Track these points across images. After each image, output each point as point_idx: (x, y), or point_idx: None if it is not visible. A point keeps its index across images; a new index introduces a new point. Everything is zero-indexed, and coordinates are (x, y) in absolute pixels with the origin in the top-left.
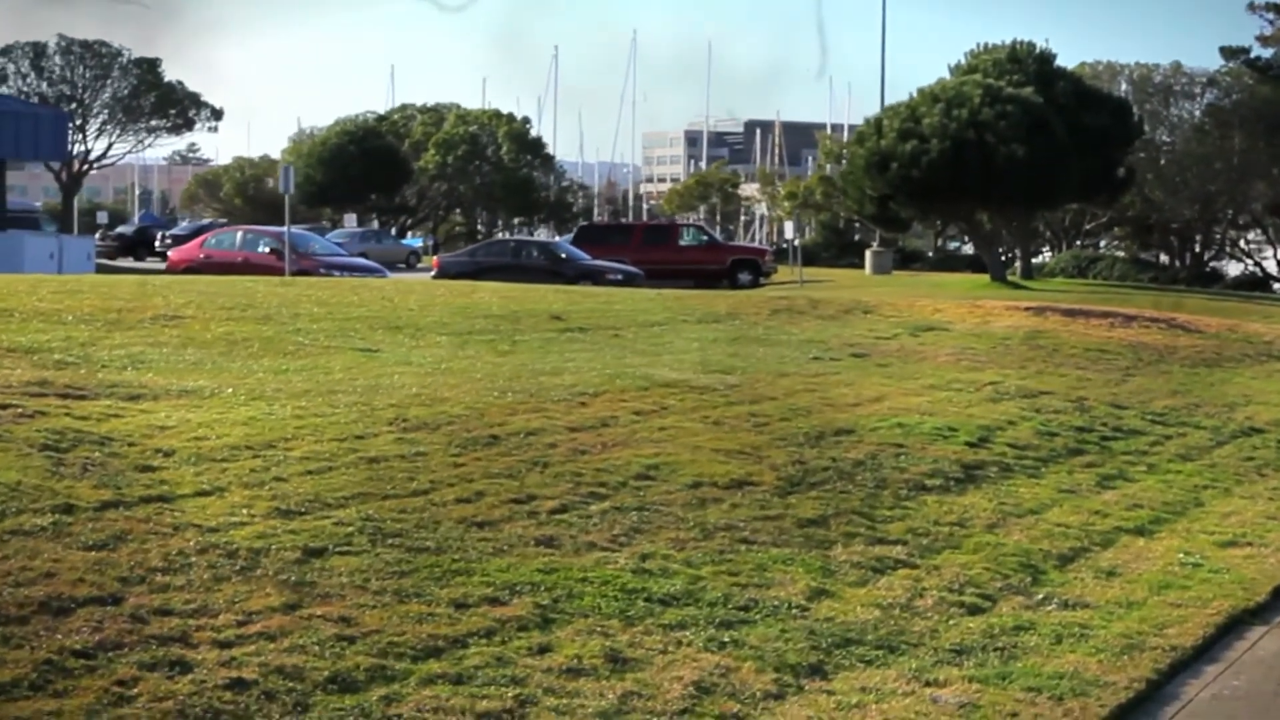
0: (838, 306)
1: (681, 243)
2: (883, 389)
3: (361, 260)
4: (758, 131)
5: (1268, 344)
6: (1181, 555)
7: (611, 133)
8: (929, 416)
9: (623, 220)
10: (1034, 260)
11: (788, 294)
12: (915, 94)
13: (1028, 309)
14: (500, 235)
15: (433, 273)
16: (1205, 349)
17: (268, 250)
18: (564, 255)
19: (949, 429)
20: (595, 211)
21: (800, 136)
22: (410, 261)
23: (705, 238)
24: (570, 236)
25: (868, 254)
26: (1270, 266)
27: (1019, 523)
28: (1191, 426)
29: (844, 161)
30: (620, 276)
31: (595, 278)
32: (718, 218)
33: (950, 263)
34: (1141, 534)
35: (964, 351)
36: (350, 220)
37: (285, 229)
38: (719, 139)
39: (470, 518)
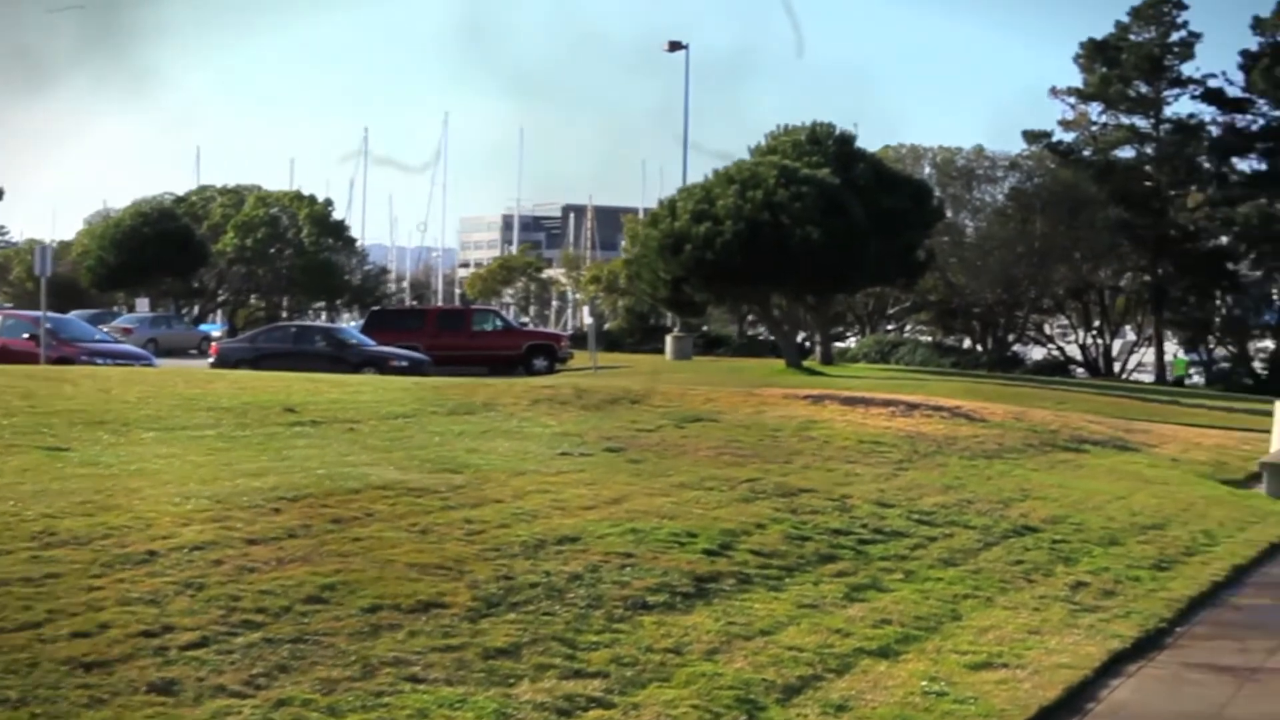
0: (604, 396)
1: (476, 328)
2: (627, 489)
3: (127, 347)
4: (571, 216)
5: (1053, 432)
6: (925, 683)
7: (430, 216)
8: (669, 520)
9: (415, 305)
10: (840, 345)
11: (555, 382)
12: (711, 175)
13: (806, 397)
14: (289, 320)
15: (211, 360)
16: (987, 439)
17: (27, 337)
18: (349, 341)
19: (688, 534)
20: (408, 297)
21: (615, 221)
22: (202, 348)
23: (500, 323)
24: (362, 322)
25: (668, 339)
26: (1072, 350)
27: (745, 646)
28: (960, 526)
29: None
30: (406, 364)
31: (380, 365)
32: (530, 303)
33: (754, 348)
34: (885, 656)
35: (728, 445)
36: (143, 304)
37: (42, 314)
38: (536, 223)
39: (80, 657)
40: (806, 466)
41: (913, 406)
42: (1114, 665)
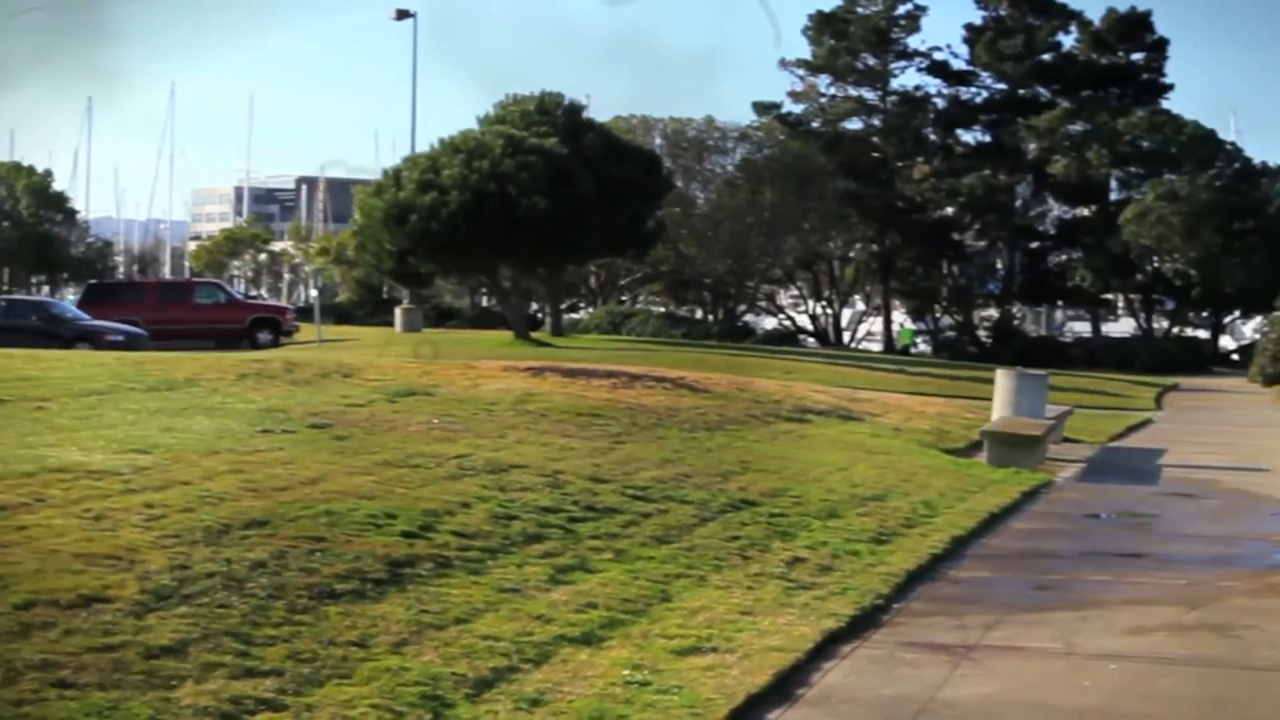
0: (316, 369)
1: (198, 301)
2: (327, 468)
3: None
4: (304, 187)
5: (776, 403)
6: (628, 671)
7: (158, 188)
8: (368, 501)
9: (137, 278)
10: (573, 317)
11: (267, 356)
12: (437, 144)
13: (528, 369)
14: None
15: None
16: (709, 410)
17: None
18: (63, 316)
19: (387, 516)
20: (130, 271)
21: (349, 193)
22: None
23: (224, 295)
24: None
25: (398, 312)
26: (802, 320)
27: (437, 637)
28: (677, 501)
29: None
30: (121, 338)
31: (94, 339)
32: (262, 276)
33: (487, 320)
34: (588, 643)
35: (441, 419)
36: None
37: None
38: (269, 195)
39: None
40: (521, 441)
41: (635, 378)
42: (828, 646)
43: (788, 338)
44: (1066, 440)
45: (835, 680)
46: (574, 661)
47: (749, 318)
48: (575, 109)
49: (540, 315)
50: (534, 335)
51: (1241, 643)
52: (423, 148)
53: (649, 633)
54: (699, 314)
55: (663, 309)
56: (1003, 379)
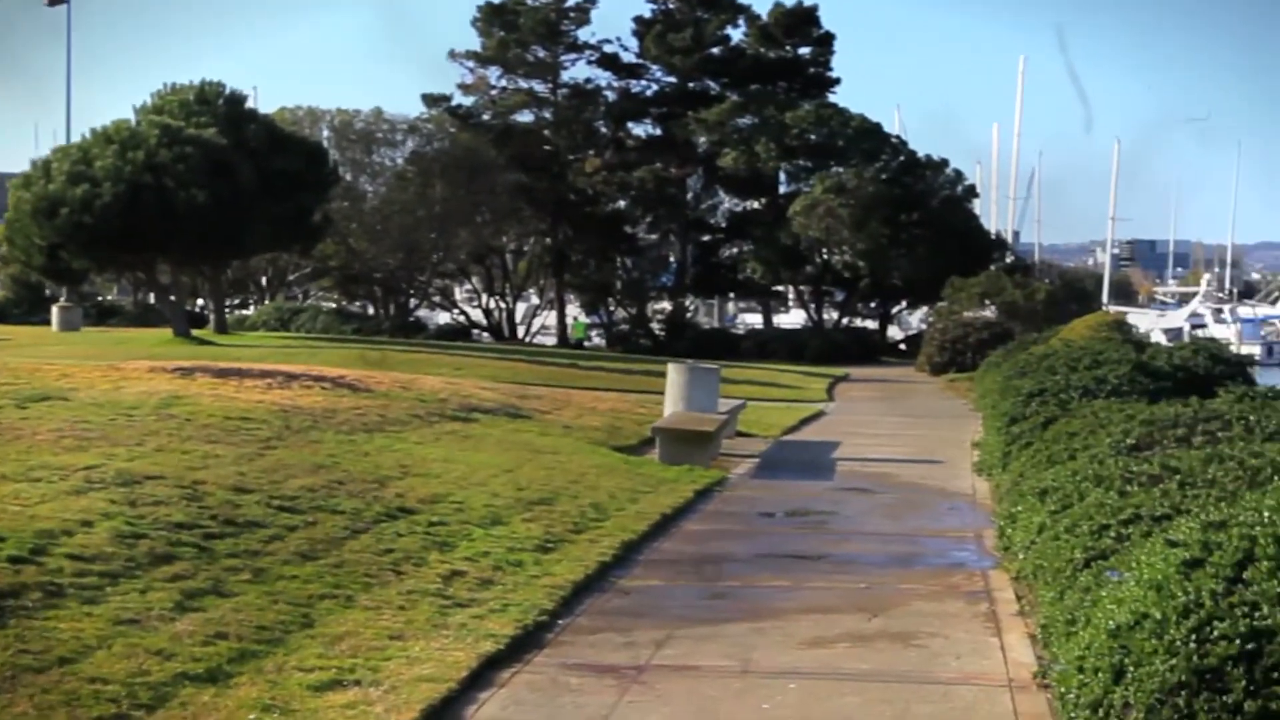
0: None
1: None
2: None
3: None
4: None
5: (442, 401)
6: (255, 715)
7: None
8: None
9: None
10: (243, 313)
11: None
12: (89, 134)
13: (176, 370)
14: None
15: None
16: (369, 411)
17: None
18: None
19: None
20: None
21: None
22: None
23: None
24: None
25: (54, 309)
26: (476, 315)
27: (35, 682)
28: (327, 511)
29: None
30: None
31: None
32: None
33: (149, 318)
34: (214, 681)
35: (74, 426)
36: None
37: None
38: None
39: None
40: (160, 449)
41: (293, 377)
42: (486, 673)
43: (461, 333)
44: (740, 434)
45: (491, 714)
46: (194, 705)
47: (422, 313)
48: (237, 99)
49: (206, 312)
50: (197, 333)
51: (925, 653)
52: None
53: (284, 665)
54: (370, 310)
55: (333, 305)
56: (674, 373)
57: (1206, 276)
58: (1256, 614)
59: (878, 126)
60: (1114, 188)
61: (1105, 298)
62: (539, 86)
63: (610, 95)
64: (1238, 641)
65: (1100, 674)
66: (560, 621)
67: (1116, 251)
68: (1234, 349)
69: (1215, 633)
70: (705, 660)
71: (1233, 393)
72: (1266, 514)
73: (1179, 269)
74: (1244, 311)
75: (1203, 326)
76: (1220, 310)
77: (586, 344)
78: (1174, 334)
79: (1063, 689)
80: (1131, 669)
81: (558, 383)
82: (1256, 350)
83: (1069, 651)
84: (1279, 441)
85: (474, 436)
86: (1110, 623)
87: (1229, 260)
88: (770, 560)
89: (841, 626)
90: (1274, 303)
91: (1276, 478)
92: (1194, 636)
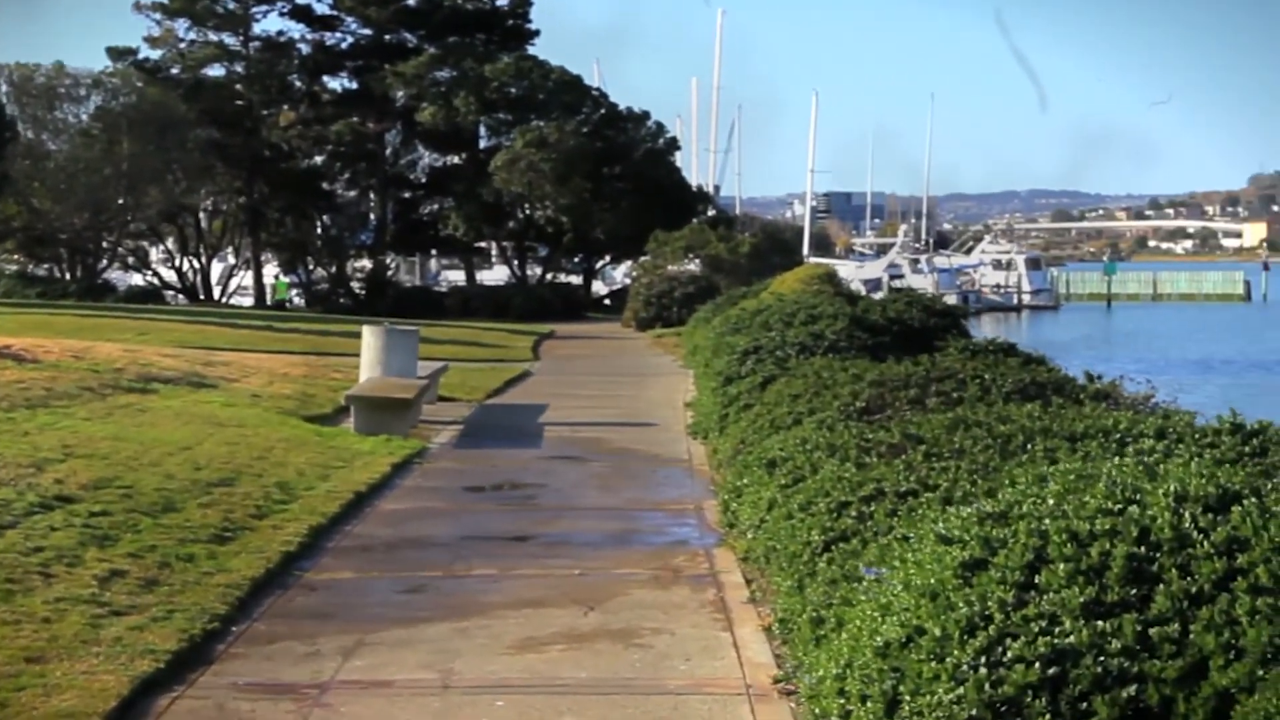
0: None
1: None
2: None
3: None
4: None
5: (118, 371)
6: None
7: None
8: None
9: None
10: None
11: None
12: None
13: None
14: None
15: None
16: (34, 384)
17: None
18: None
19: None
20: None
21: None
22: None
23: None
24: None
25: None
26: (168, 275)
27: None
28: None
29: None
30: None
31: None
32: None
33: None
34: None
35: None
36: None
37: None
38: None
39: None
40: None
41: None
42: (142, 700)
43: (152, 295)
44: (442, 399)
45: None
46: None
47: (114, 275)
48: None
49: None
50: None
51: (651, 654)
52: None
53: None
54: (57, 272)
55: (16, 268)
56: (370, 336)
57: (903, 227)
58: (1056, 629)
59: (578, 79)
60: (812, 141)
61: (806, 249)
62: (230, 39)
63: (304, 48)
64: (1037, 665)
65: (870, 703)
66: (234, 629)
67: (814, 204)
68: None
69: (1009, 654)
70: (400, 673)
71: (956, 347)
72: (1052, 501)
73: (876, 220)
74: (940, 262)
75: (900, 277)
76: (917, 261)
77: (288, 304)
78: (873, 284)
79: (816, 709)
80: (908, 698)
81: (250, 346)
82: (953, 299)
83: (822, 663)
84: (1017, 402)
85: (151, 410)
86: (878, 638)
87: (925, 212)
88: (475, 544)
89: (555, 624)
90: (968, 253)
91: (1030, 445)
92: (984, 659)
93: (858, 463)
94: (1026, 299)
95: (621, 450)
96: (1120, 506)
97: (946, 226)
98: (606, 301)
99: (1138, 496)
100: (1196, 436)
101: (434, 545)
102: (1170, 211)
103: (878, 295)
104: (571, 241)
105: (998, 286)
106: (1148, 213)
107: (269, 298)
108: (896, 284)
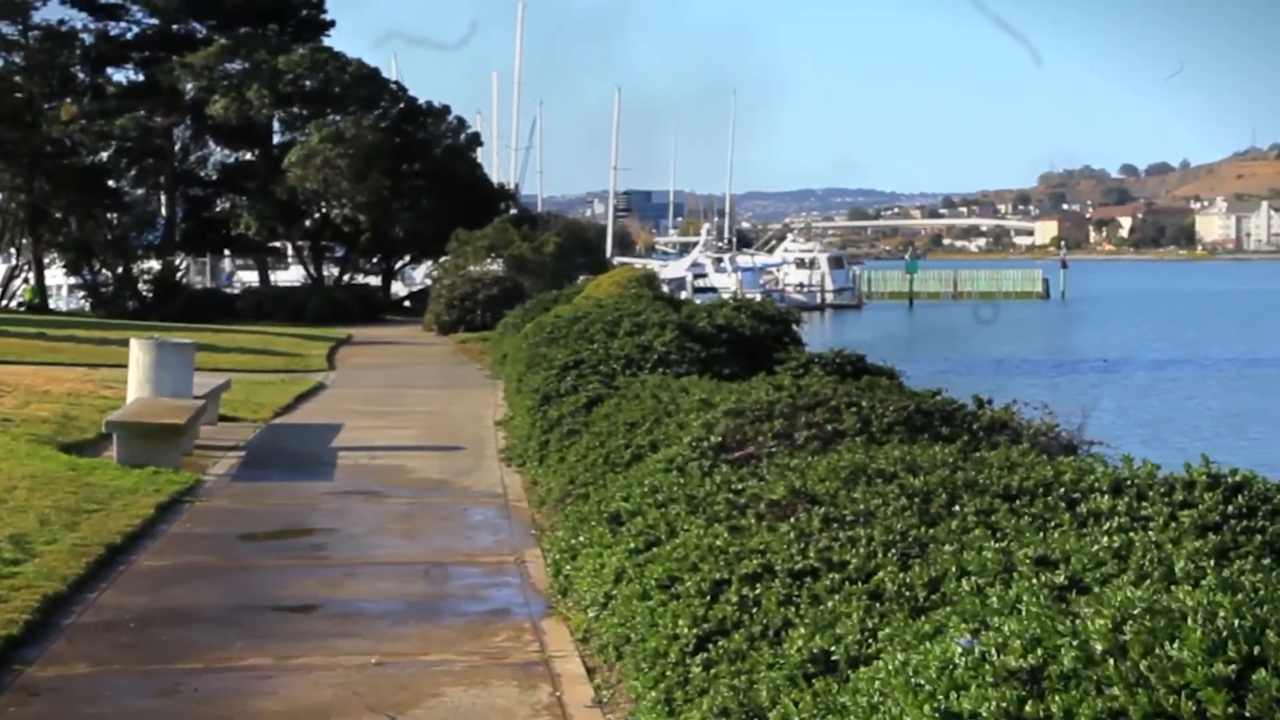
0: None
1: None
2: None
3: None
4: None
5: None
6: None
7: None
8: None
9: None
10: None
11: None
12: None
13: None
14: None
15: None
16: None
17: None
18: None
19: None
20: None
21: None
22: None
23: None
24: None
25: None
26: None
27: None
28: None
29: None
30: None
31: None
32: None
33: None
34: None
35: None
36: None
37: None
38: None
39: None
40: None
41: None
42: None
43: None
44: (224, 419)
45: None
46: None
47: None
48: None
49: None
50: None
51: None
52: None
53: None
54: None
55: None
56: (138, 350)
57: (706, 226)
58: None
59: (375, 72)
60: (615, 138)
61: (610, 249)
62: (7, 28)
63: (88, 38)
64: None
65: None
66: None
67: (616, 203)
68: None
69: None
70: None
71: (799, 359)
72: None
73: (678, 219)
74: (743, 261)
75: (704, 276)
76: (720, 260)
77: (29, 307)
78: (676, 284)
79: None
80: None
81: (16, 358)
82: (757, 297)
83: None
84: (904, 437)
85: None
86: None
87: (727, 210)
88: (248, 616)
89: None
90: (771, 251)
91: (956, 506)
92: None
93: (731, 525)
94: (830, 298)
95: (426, 482)
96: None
97: (745, 225)
98: (407, 304)
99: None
100: (1163, 492)
101: (197, 620)
102: (964, 210)
103: (683, 294)
104: (370, 241)
105: (801, 285)
106: (942, 211)
107: (15, 300)
108: (700, 283)
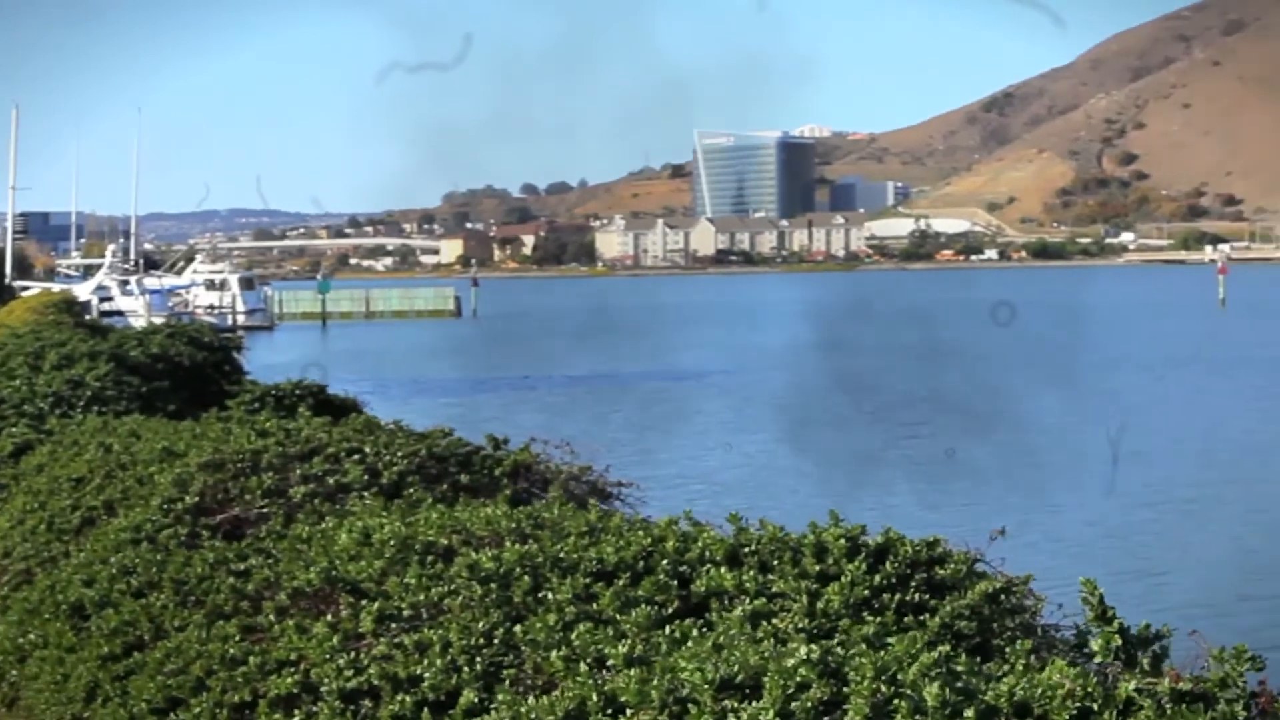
0: None
1: None
2: None
3: None
4: None
5: None
6: None
7: None
8: None
9: None
10: None
11: None
12: None
13: None
14: None
15: None
16: None
17: None
18: None
19: None
20: None
21: None
22: None
23: None
24: None
25: None
26: None
27: None
28: None
29: None
30: None
31: None
32: None
33: None
34: None
35: None
36: None
37: None
38: None
39: None
40: None
41: None
42: None
43: None
44: None
45: None
46: None
47: None
48: None
49: None
50: None
51: None
52: None
53: None
54: None
55: None
56: None
57: (111, 248)
58: None
59: None
60: (14, 156)
61: (9, 272)
62: None
63: None
64: None
65: None
66: None
67: (12, 225)
68: (144, 320)
69: None
70: None
71: (252, 392)
72: None
73: (81, 240)
74: (151, 283)
75: (110, 299)
76: (127, 282)
77: None
78: (82, 308)
79: None
80: None
81: None
82: (161, 319)
83: None
84: (444, 497)
85: None
86: None
87: (133, 231)
88: None
89: None
90: (179, 273)
91: (547, 593)
92: None
93: (244, 624)
94: (241, 319)
95: None
96: None
97: (149, 246)
98: None
99: None
100: (791, 561)
101: None
102: (370, 230)
103: (88, 318)
104: None
105: (212, 307)
106: (348, 231)
107: None
108: (106, 306)
